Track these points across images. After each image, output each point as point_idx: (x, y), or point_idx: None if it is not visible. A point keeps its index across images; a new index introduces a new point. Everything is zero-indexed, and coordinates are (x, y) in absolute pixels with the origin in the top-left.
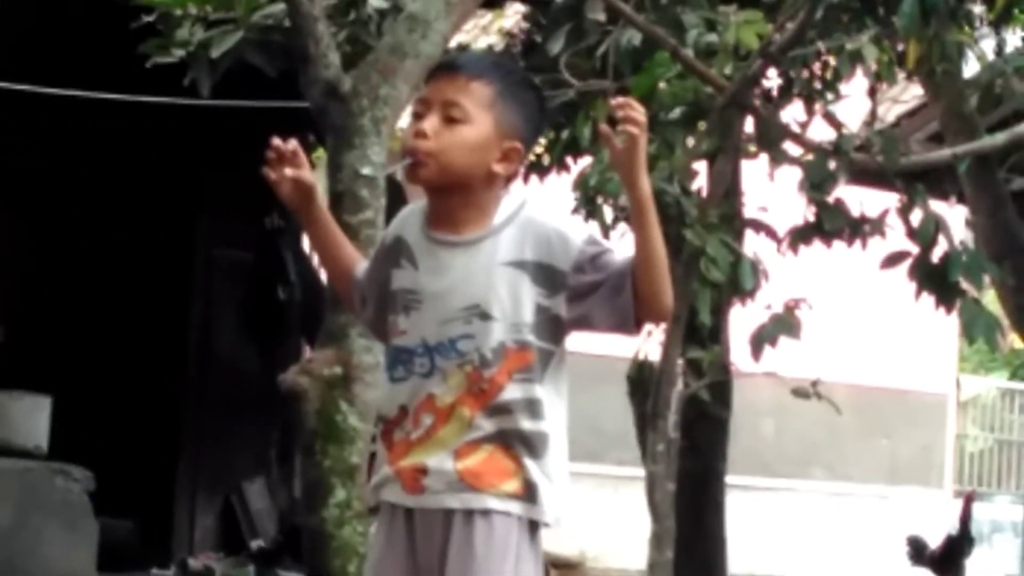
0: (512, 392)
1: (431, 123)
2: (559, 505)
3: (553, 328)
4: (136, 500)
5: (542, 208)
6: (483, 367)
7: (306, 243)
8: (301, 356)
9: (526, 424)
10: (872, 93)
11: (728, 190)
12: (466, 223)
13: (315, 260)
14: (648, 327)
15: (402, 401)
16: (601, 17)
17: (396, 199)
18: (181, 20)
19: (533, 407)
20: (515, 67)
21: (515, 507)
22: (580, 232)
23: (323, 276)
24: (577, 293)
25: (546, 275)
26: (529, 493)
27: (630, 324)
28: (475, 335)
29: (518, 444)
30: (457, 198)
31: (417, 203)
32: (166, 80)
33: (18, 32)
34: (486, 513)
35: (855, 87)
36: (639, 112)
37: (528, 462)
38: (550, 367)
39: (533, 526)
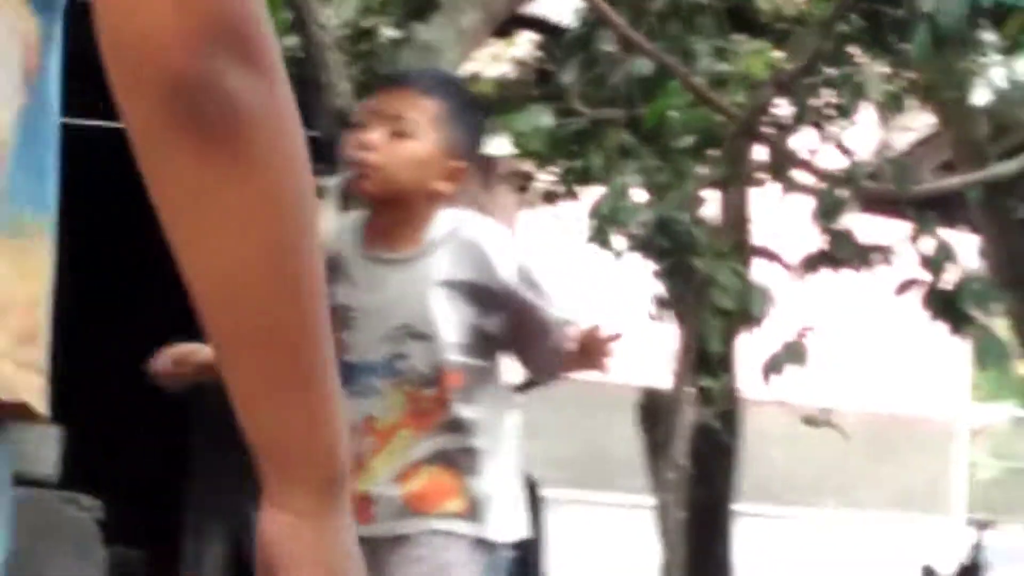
0: (452, 412)
1: (378, 135)
2: (510, 522)
3: (486, 346)
4: (145, 529)
5: (480, 227)
6: (422, 387)
7: None
8: None
9: (467, 442)
10: (883, 121)
11: (738, 218)
12: (401, 239)
13: None
14: (658, 356)
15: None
16: (612, 46)
17: None
18: None
19: (473, 426)
20: (464, 86)
21: (459, 526)
22: (515, 256)
23: None
24: (504, 315)
25: (479, 294)
26: (474, 512)
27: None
28: (410, 355)
29: (460, 463)
30: (396, 213)
31: (346, 217)
32: None
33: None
34: (432, 534)
35: (867, 115)
36: None
37: (471, 480)
38: (488, 385)
39: (484, 545)
